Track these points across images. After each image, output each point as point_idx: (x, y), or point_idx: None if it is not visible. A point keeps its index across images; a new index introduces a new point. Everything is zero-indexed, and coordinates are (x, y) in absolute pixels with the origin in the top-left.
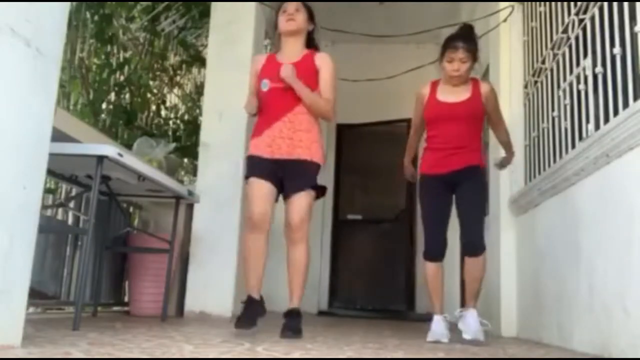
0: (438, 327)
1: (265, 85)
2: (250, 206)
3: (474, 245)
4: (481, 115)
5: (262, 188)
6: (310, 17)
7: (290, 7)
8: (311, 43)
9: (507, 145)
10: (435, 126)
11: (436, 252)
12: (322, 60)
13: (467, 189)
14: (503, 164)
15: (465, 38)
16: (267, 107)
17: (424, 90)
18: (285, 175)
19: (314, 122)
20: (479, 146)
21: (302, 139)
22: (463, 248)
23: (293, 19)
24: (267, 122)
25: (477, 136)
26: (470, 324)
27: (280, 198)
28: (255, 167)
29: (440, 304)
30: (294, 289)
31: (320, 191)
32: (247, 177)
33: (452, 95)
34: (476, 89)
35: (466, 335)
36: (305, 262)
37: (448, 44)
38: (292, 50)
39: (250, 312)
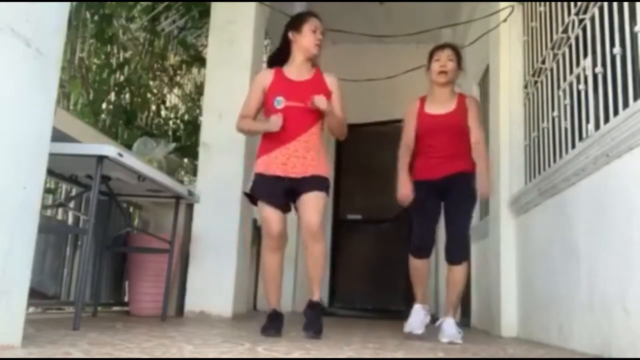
0: (416, 317)
1: (280, 102)
2: (268, 226)
3: (456, 253)
4: (467, 124)
5: (275, 213)
6: None
7: (319, 28)
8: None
9: (479, 156)
10: (425, 138)
11: (423, 250)
12: (334, 84)
13: (456, 196)
14: (480, 190)
15: (451, 45)
16: (282, 125)
17: (412, 105)
18: (298, 187)
19: (322, 142)
20: (468, 151)
21: (314, 158)
22: (446, 255)
23: (320, 45)
24: (280, 140)
25: (465, 144)
26: (446, 329)
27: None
28: (264, 189)
29: (422, 293)
30: (314, 283)
31: None
32: (255, 198)
33: (440, 107)
34: (461, 101)
35: (443, 339)
36: (325, 254)
37: (434, 49)
38: (303, 67)
39: (276, 323)
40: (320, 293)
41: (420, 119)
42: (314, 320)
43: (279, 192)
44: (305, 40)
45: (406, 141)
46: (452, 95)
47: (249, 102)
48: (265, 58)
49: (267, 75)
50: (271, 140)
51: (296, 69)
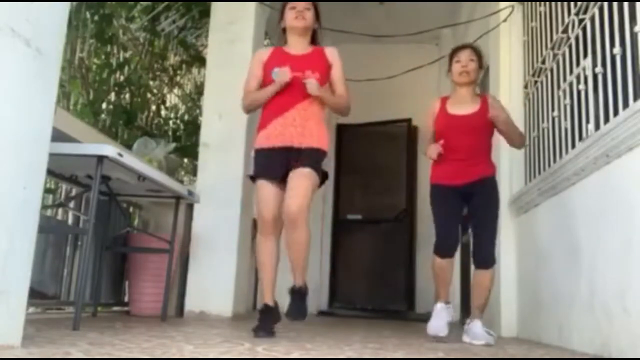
0: (439, 318)
1: (277, 74)
2: (261, 208)
3: (485, 258)
4: (490, 127)
5: (272, 191)
6: (317, 16)
7: (300, 4)
8: (314, 42)
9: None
10: (445, 138)
11: (448, 249)
12: (334, 57)
13: (481, 201)
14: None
15: (472, 45)
16: (278, 95)
17: (434, 104)
18: (292, 160)
19: (323, 113)
20: (490, 157)
21: (313, 129)
22: (474, 260)
23: (303, 16)
24: (278, 110)
25: (487, 147)
26: (477, 333)
27: None
28: (264, 166)
29: (445, 291)
30: (296, 268)
31: (321, 177)
32: (255, 176)
33: (462, 108)
34: (484, 103)
35: (474, 341)
36: (305, 242)
37: (455, 49)
38: (299, 45)
39: (268, 321)
40: (304, 278)
41: (440, 119)
42: (296, 304)
43: (277, 163)
44: (287, 20)
45: (432, 139)
46: (475, 96)
47: (250, 78)
48: None
49: (266, 52)
50: (270, 112)
51: (293, 46)
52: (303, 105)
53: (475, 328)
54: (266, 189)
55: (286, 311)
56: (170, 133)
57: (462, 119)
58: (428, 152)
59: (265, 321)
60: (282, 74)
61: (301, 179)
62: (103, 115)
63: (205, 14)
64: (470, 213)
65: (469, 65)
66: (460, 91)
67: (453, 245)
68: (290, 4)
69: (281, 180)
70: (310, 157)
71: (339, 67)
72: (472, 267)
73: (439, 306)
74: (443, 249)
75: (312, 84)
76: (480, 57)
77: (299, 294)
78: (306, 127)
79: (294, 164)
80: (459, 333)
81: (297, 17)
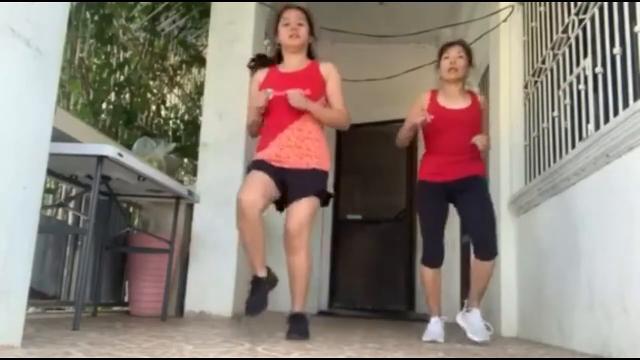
0: (435, 327)
1: (269, 94)
2: (240, 193)
3: (487, 249)
4: (480, 123)
5: (259, 178)
6: (311, 29)
7: (293, 20)
8: (310, 55)
9: None
10: (436, 131)
11: (436, 260)
12: (329, 71)
13: (472, 196)
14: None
15: (461, 41)
16: (273, 116)
17: (424, 96)
18: (291, 183)
19: (321, 130)
20: (480, 154)
21: (311, 147)
22: (475, 251)
23: (297, 34)
24: (273, 132)
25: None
26: (474, 323)
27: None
28: (258, 164)
29: (438, 307)
30: (295, 296)
31: (325, 198)
32: (248, 172)
33: (454, 102)
34: (475, 99)
35: (472, 336)
36: (306, 268)
37: (444, 45)
38: (294, 62)
39: (258, 294)
40: (303, 307)
41: (429, 110)
42: (297, 327)
43: (274, 171)
44: (281, 37)
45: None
46: (463, 92)
47: (249, 105)
48: None
49: (262, 74)
50: (266, 134)
51: (288, 64)
52: (297, 125)
53: (474, 318)
54: (254, 175)
55: (286, 335)
56: (170, 133)
57: (455, 113)
58: (412, 120)
59: (255, 295)
60: (256, 99)
61: (299, 206)
62: (103, 115)
63: (205, 14)
64: (462, 210)
65: (458, 62)
66: (449, 87)
67: (440, 255)
68: (284, 19)
69: (273, 179)
70: (308, 184)
71: (334, 81)
72: (472, 257)
73: (434, 320)
74: (431, 260)
75: (293, 94)
76: (469, 54)
77: (298, 320)
78: (302, 147)
79: (292, 193)
80: (458, 333)
81: (291, 36)
